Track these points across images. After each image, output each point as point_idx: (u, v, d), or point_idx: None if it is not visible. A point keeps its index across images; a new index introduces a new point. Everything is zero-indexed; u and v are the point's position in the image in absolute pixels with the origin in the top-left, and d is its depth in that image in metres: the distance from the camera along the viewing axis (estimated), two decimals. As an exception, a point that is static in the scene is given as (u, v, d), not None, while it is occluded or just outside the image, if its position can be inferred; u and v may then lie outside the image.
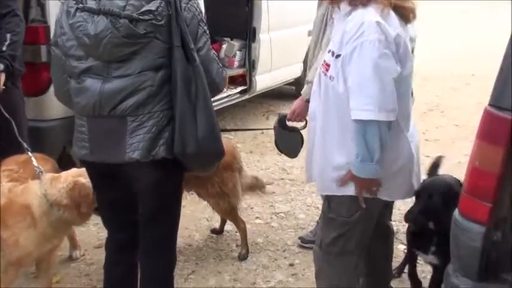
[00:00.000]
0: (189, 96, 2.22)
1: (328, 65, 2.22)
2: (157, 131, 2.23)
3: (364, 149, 2.14)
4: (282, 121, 3.25)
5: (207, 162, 2.42)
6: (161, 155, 2.23)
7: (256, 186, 3.71)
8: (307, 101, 3.10)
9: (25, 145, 2.96)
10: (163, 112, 2.23)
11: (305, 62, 3.65)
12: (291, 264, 3.48)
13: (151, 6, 2.12)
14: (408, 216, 2.63)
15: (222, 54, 6.06)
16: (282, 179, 4.79)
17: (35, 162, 2.84)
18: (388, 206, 2.86)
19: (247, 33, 5.94)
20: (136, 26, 2.11)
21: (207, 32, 2.31)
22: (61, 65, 2.30)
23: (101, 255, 3.40)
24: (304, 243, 3.64)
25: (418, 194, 2.56)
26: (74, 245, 3.49)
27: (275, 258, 3.56)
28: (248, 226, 3.84)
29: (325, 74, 2.24)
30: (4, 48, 3.04)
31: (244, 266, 3.46)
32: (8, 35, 3.06)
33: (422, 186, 2.58)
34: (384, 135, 2.14)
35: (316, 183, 2.49)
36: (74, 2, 2.17)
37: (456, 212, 2.08)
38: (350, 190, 2.30)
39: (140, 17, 2.11)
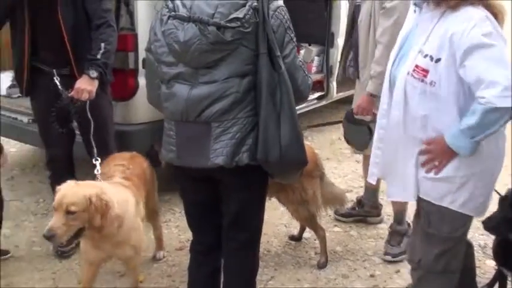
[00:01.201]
0: (274, 103, 2.22)
1: (426, 71, 2.12)
2: (241, 138, 2.25)
3: (474, 123, 2.04)
4: (349, 115, 3.44)
5: (289, 170, 2.41)
6: (244, 162, 2.26)
7: (336, 200, 3.67)
8: (372, 96, 3.26)
9: (95, 151, 3.08)
10: (248, 119, 2.25)
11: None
12: (372, 275, 3.41)
13: (239, 14, 2.15)
14: (488, 224, 2.47)
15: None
16: (361, 186, 4.69)
17: (98, 168, 2.96)
18: None
19: (325, 39, 5.90)
20: (224, 33, 2.14)
21: (294, 39, 2.30)
22: (154, 70, 2.37)
23: (182, 257, 3.50)
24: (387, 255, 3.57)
25: (502, 200, 2.43)
26: (159, 245, 3.58)
27: (355, 268, 3.50)
28: (327, 234, 3.79)
29: (422, 80, 2.13)
30: (99, 56, 3.19)
31: (323, 274, 3.42)
32: (102, 44, 3.20)
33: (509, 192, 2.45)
34: (502, 125, 2.08)
35: (403, 191, 2.37)
36: (167, 10, 2.23)
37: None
38: (446, 201, 2.20)
39: (228, 24, 2.14)
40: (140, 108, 3.76)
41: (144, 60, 3.26)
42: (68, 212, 2.47)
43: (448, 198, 2.20)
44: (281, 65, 2.22)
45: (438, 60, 2.10)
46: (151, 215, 3.41)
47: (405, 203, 3.49)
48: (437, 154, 2.18)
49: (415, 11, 2.29)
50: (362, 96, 3.35)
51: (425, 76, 2.13)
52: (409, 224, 3.56)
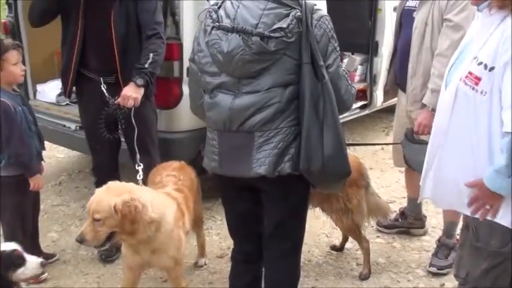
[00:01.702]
0: (317, 112, 2.22)
1: (479, 79, 2.04)
2: (284, 147, 2.24)
3: (506, 161, 1.96)
4: (409, 135, 3.25)
5: (332, 180, 2.39)
6: (286, 171, 2.25)
7: (380, 211, 3.60)
8: (433, 111, 3.04)
9: (138, 157, 3.15)
10: (290, 128, 2.25)
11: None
12: (415, 288, 3.36)
13: (283, 24, 2.15)
14: None
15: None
16: (404, 197, 4.61)
17: (140, 173, 3.03)
18: None
19: (368, 47, 5.85)
20: (268, 43, 2.15)
21: (338, 49, 2.29)
22: (197, 80, 2.40)
23: (223, 265, 3.52)
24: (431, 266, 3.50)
25: None
26: (202, 253, 3.62)
27: (398, 280, 3.44)
28: (369, 245, 3.76)
29: (473, 88, 2.06)
30: (146, 66, 3.26)
31: (365, 286, 3.38)
32: (151, 54, 3.27)
33: None
34: None
35: (450, 202, 2.32)
36: (211, 20, 2.25)
37: None
38: (496, 216, 2.12)
39: (271, 34, 2.14)
40: (184, 116, 3.81)
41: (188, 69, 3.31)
42: (95, 219, 2.54)
43: (498, 212, 2.12)
44: (324, 74, 2.21)
45: (492, 68, 2.01)
46: (196, 223, 3.45)
47: (457, 216, 3.41)
48: (484, 199, 2.10)
49: (478, 17, 2.22)
50: (422, 113, 3.20)
51: (476, 84, 2.04)
52: (457, 239, 3.48)
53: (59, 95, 4.92)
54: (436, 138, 2.28)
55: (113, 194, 2.59)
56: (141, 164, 3.09)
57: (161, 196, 2.86)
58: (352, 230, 3.41)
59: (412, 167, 3.37)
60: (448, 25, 3.13)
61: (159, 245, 2.73)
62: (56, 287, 3.39)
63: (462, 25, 3.06)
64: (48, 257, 3.62)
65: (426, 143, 3.16)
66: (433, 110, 3.10)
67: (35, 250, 3.56)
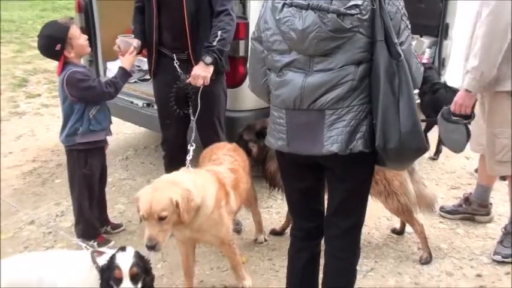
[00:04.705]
0: (393, 90, 2.18)
1: None
2: (356, 125, 2.23)
3: None
4: (445, 113, 3.25)
5: (407, 157, 2.35)
6: (358, 149, 2.23)
7: (423, 200, 3.46)
8: (467, 91, 3.11)
9: (192, 136, 3.18)
10: (362, 106, 2.23)
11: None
12: (479, 275, 3.28)
13: (358, 1, 2.12)
14: None
15: (410, 51, 5.87)
16: (470, 184, 4.50)
17: (190, 154, 3.04)
18: None
19: (438, 30, 5.68)
20: (343, 21, 2.12)
21: (409, 26, 2.26)
22: (261, 59, 2.39)
23: (283, 242, 3.57)
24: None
25: None
26: (259, 229, 3.69)
27: (460, 266, 3.38)
28: (431, 230, 3.71)
29: None
30: (214, 43, 3.27)
31: (426, 270, 3.34)
32: (219, 32, 3.28)
33: None
34: None
35: None
36: None
37: None
38: None
39: (347, 11, 2.11)
40: (249, 95, 3.82)
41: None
42: (161, 219, 2.53)
43: None
44: (400, 52, 2.17)
45: None
46: (250, 202, 3.52)
47: None
48: None
49: None
50: (460, 93, 3.18)
51: None
52: None
53: (128, 72, 5.06)
54: None
55: (164, 190, 2.59)
56: (194, 144, 3.12)
57: (201, 178, 2.84)
58: (401, 212, 3.36)
59: (446, 145, 3.44)
60: (484, 2, 3.07)
61: (198, 226, 2.76)
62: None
63: (491, 1, 2.99)
64: (115, 227, 3.80)
65: (462, 123, 3.15)
66: (468, 90, 3.10)
67: (104, 220, 3.74)
